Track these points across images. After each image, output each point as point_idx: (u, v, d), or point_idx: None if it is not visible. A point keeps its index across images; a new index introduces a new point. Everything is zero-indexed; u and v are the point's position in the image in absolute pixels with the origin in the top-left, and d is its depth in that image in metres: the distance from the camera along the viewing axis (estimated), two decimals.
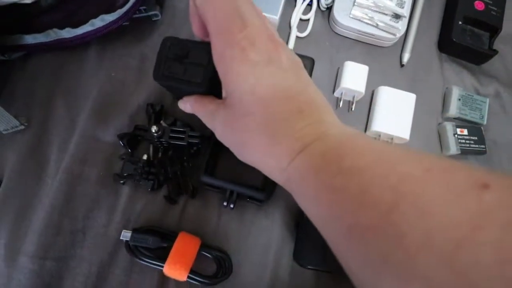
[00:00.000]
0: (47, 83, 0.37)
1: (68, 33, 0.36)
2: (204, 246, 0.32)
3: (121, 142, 0.34)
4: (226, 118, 0.24)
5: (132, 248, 0.32)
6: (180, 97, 0.29)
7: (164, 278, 0.33)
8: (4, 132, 0.34)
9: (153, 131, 0.31)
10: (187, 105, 0.28)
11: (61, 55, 0.38)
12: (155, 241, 0.31)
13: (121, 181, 0.34)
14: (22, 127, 0.35)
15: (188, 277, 0.31)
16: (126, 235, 0.31)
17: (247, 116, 0.22)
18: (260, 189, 0.33)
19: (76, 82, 0.37)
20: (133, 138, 0.35)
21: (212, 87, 0.27)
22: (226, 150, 0.35)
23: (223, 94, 0.26)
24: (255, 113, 0.22)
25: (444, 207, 0.14)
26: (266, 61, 0.22)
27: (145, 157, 0.34)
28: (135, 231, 0.31)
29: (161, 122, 0.35)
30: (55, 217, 0.33)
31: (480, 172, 0.15)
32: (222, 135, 0.25)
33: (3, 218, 0.33)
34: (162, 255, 0.31)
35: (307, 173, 0.21)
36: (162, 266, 0.31)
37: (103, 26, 0.36)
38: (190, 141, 0.32)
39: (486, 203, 0.14)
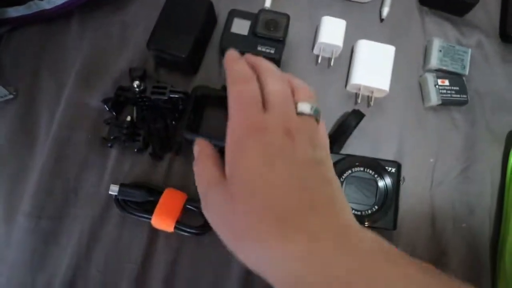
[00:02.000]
0: (32, 55, 0.38)
1: (48, 3, 0.37)
2: (190, 200, 0.34)
3: (105, 107, 0.36)
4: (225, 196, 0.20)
5: (121, 203, 0.33)
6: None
7: (153, 233, 0.34)
8: None
9: (135, 85, 0.32)
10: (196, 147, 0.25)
11: (44, 28, 0.39)
12: (142, 195, 0.33)
13: (109, 144, 0.35)
14: (11, 96, 0.36)
15: (176, 227, 0.33)
16: (113, 189, 0.33)
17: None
18: None
19: (60, 52, 0.38)
20: (117, 102, 0.36)
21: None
22: (209, 107, 0.37)
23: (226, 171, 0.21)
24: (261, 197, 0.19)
25: None
26: (279, 153, 0.20)
27: (128, 118, 0.35)
28: (122, 185, 0.33)
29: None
30: (48, 179, 0.34)
31: None
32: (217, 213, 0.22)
33: None
34: (150, 209, 0.33)
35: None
36: (150, 219, 0.32)
37: None
38: (171, 96, 0.33)
39: None
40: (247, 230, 0.19)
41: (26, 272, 0.33)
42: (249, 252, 0.19)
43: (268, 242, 0.18)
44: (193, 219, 0.34)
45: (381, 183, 0.33)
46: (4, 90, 0.35)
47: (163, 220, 0.32)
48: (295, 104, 0.22)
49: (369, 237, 0.19)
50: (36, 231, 0.33)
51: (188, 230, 0.33)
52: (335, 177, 0.22)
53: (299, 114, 0.22)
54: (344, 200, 0.21)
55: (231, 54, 0.25)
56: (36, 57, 0.38)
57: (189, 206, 0.34)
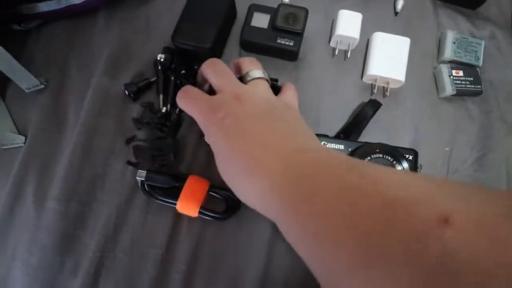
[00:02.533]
0: (61, 47, 0.40)
1: None
2: (212, 187, 0.35)
3: (126, 91, 0.37)
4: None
5: (147, 188, 0.34)
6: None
7: (177, 217, 0.35)
8: (27, 91, 0.37)
9: (159, 57, 0.37)
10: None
11: (72, 22, 0.41)
12: (168, 181, 0.34)
13: (138, 127, 0.37)
14: (42, 86, 0.38)
15: (200, 212, 0.34)
16: (141, 174, 0.34)
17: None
18: None
19: (88, 44, 0.40)
20: (138, 89, 0.38)
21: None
22: None
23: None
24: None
25: None
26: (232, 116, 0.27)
27: (164, 109, 0.36)
28: (149, 171, 0.34)
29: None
30: (76, 165, 0.36)
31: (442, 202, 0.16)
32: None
33: (30, 168, 0.36)
34: (174, 194, 0.34)
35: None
36: (175, 204, 0.34)
37: None
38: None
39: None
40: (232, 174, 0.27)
41: (55, 254, 0.34)
42: (238, 188, 0.27)
43: (243, 183, 0.26)
44: (215, 206, 0.35)
45: (399, 169, 0.34)
46: (35, 80, 0.37)
47: (188, 205, 0.33)
48: (247, 73, 0.30)
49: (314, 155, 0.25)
50: (65, 214, 0.35)
51: (212, 214, 0.34)
52: (287, 110, 0.29)
53: (251, 79, 0.30)
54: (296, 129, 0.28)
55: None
56: (65, 49, 0.40)
57: (211, 193, 0.35)
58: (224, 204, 0.35)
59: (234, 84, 0.29)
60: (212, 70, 0.30)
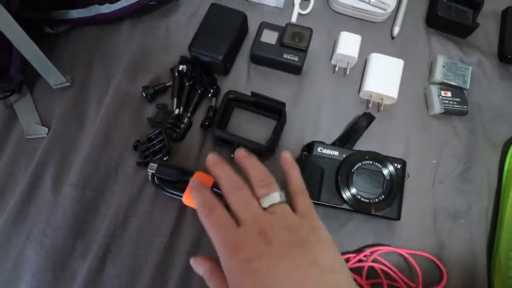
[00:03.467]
0: (87, 50, 0.44)
1: (106, 8, 0.43)
2: (216, 184, 0.38)
3: (143, 93, 0.41)
4: None
5: (156, 181, 0.38)
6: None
7: (182, 210, 0.38)
8: (54, 87, 0.41)
9: (181, 68, 0.40)
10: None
11: (99, 29, 0.45)
12: (177, 174, 0.37)
13: (152, 126, 0.40)
14: (68, 83, 0.42)
15: None
16: (152, 167, 0.37)
17: None
18: (264, 145, 0.39)
19: (112, 49, 0.44)
20: (154, 92, 0.41)
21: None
22: (237, 109, 0.43)
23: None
24: None
25: None
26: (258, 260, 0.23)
27: (177, 111, 0.40)
28: (161, 164, 0.37)
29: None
30: (94, 156, 0.39)
31: None
32: None
33: (50, 157, 0.40)
34: (181, 188, 0.37)
35: None
36: (181, 196, 0.37)
37: (136, 2, 0.43)
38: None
39: None
40: None
41: (68, 237, 0.37)
42: None
43: None
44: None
45: (388, 176, 0.37)
46: (62, 78, 0.41)
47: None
48: (263, 199, 0.25)
49: None
50: (80, 200, 0.38)
51: None
52: (322, 248, 0.24)
53: (269, 207, 0.25)
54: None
55: (211, 159, 0.28)
56: (90, 52, 0.44)
57: (215, 189, 0.38)
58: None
59: (255, 213, 0.25)
60: (227, 183, 0.26)
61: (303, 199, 0.27)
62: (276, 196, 0.25)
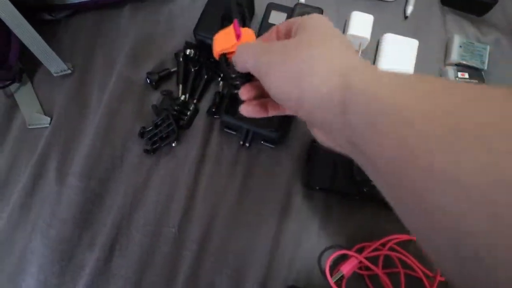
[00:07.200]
0: (88, 36, 0.43)
1: None
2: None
3: (147, 79, 0.39)
4: (283, 49, 0.22)
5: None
6: None
7: (190, 199, 0.37)
8: (55, 75, 0.40)
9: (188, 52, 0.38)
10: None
11: (99, 14, 0.44)
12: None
13: (157, 113, 0.39)
14: (69, 71, 0.40)
15: None
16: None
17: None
18: (274, 130, 0.37)
19: (113, 35, 0.43)
20: (159, 78, 0.40)
21: None
22: None
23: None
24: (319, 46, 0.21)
25: None
26: None
27: (182, 98, 0.39)
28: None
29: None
30: (98, 144, 0.38)
31: None
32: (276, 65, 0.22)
33: (54, 147, 0.38)
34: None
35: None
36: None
37: None
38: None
39: None
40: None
41: (73, 228, 0.36)
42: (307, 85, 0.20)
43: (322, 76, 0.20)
44: None
45: None
46: (63, 65, 0.39)
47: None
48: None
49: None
50: (85, 191, 0.37)
51: None
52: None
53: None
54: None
55: None
56: (91, 39, 0.43)
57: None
58: None
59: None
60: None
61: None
62: None
